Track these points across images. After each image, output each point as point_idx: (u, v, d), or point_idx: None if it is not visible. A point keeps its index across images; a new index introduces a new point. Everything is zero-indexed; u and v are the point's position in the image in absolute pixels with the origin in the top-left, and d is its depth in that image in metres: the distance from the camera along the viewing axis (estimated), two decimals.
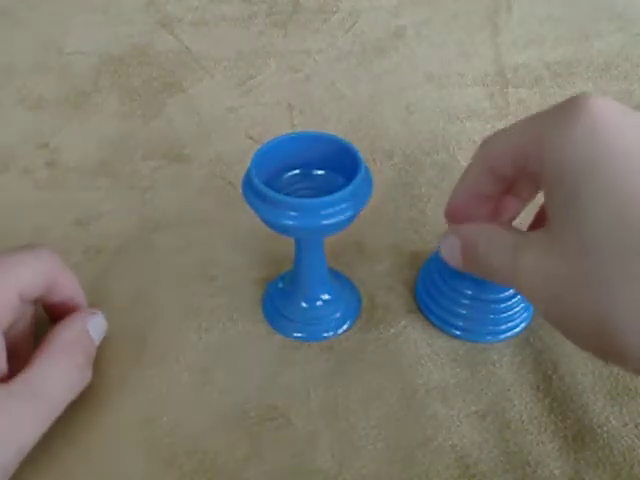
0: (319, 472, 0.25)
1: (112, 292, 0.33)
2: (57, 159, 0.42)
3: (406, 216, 0.39)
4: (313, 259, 0.29)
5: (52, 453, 0.25)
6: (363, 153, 0.26)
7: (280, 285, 0.33)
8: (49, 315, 0.29)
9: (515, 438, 0.27)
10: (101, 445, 0.26)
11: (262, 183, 0.24)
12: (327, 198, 0.24)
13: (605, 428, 0.27)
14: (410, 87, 0.46)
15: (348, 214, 0.24)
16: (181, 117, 0.44)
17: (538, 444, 0.26)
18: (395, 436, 0.27)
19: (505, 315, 0.30)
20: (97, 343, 0.28)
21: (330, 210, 0.24)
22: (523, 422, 0.27)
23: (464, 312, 0.30)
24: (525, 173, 0.23)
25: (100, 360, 0.28)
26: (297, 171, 0.28)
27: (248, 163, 0.25)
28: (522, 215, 0.28)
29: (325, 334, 0.31)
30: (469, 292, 0.30)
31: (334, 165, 0.28)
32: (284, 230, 0.25)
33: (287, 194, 0.27)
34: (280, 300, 0.32)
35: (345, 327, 0.31)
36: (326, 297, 0.31)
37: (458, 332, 0.30)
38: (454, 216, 0.27)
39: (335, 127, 0.44)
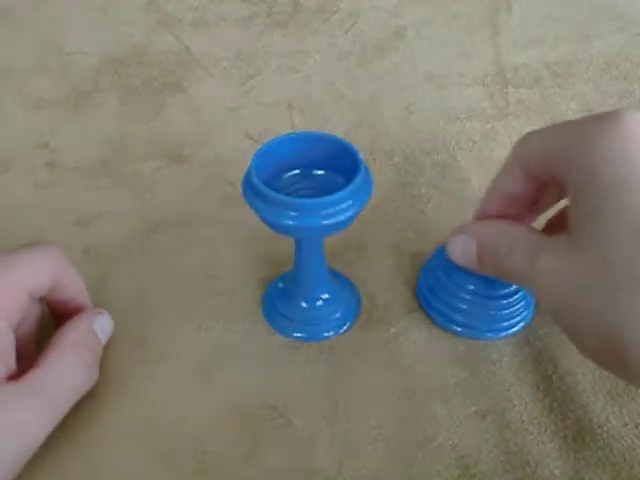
0: (319, 472, 0.25)
1: (112, 292, 0.33)
2: (57, 159, 0.42)
3: (406, 216, 0.39)
4: (313, 259, 0.29)
5: (52, 453, 0.25)
6: (363, 153, 0.26)
7: (280, 285, 0.33)
8: (52, 313, 0.29)
9: (515, 438, 0.27)
10: (101, 445, 0.26)
11: (262, 183, 0.24)
12: (327, 198, 0.24)
13: (605, 428, 0.27)
14: (410, 87, 0.46)
15: (348, 214, 0.24)
16: (181, 117, 0.44)
17: (538, 444, 0.26)
18: (395, 436, 0.27)
19: (506, 312, 0.30)
20: (103, 342, 0.28)
21: (330, 210, 0.24)
22: (523, 422, 0.27)
23: (465, 307, 0.30)
24: (554, 177, 0.23)
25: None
26: (297, 171, 0.28)
27: (248, 163, 0.25)
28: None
29: (325, 334, 0.31)
30: (471, 287, 0.30)
31: (334, 165, 0.28)
32: (284, 230, 0.25)
33: (287, 194, 0.27)
34: (280, 300, 0.32)
35: (345, 327, 0.31)
36: (326, 297, 0.31)
37: (459, 328, 0.30)
38: (483, 218, 0.27)
39: (335, 127, 0.44)
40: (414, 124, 0.45)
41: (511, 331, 0.30)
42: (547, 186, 0.25)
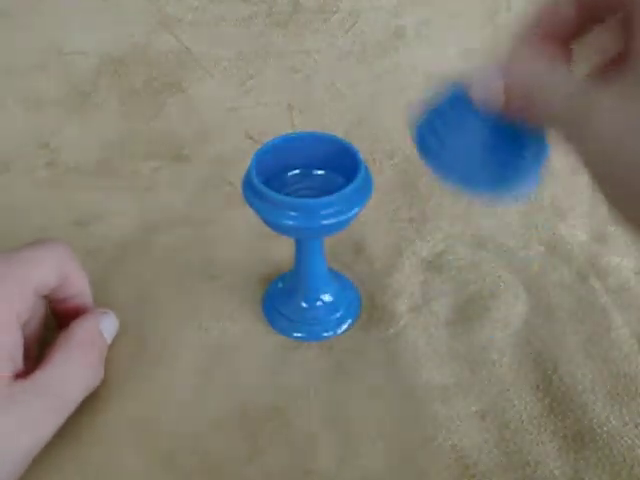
0: (319, 472, 0.25)
1: (112, 292, 0.33)
2: (57, 159, 0.42)
3: (406, 216, 0.39)
4: (313, 259, 0.29)
5: (52, 452, 0.25)
6: (363, 153, 0.26)
7: (280, 285, 0.33)
8: (53, 311, 0.29)
9: (515, 438, 0.27)
10: (101, 445, 0.26)
11: (262, 183, 0.24)
12: (327, 198, 0.24)
13: (605, 428, 0.27)
14: (410, 87, 0.46)
15: (348, 214, 0.24)
16: (181, 117, 0.44)
17: (538, 444, 0.26)
18: (395, 436, 0.27)
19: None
20: (109, 342, 0.28)
21: (330, 210, 0.24)
22: (523, 422, 0.27)
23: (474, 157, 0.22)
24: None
25: None
26: (297, 171, 0.29)
27: (248, 163, 0.25)
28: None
29: (325, 334, 0.31)
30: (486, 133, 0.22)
31: (334, 165, 0.28)
32: (284, 230, 0.25)
33: (287, 194, 0.27)
34: (280, 300, 0.32)
35: (345, 327, 0.31)
36: (326, 297, 0.31)
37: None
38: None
39: (335, 127, 0.44)
40: None
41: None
42: (596, 19, 0.20)
